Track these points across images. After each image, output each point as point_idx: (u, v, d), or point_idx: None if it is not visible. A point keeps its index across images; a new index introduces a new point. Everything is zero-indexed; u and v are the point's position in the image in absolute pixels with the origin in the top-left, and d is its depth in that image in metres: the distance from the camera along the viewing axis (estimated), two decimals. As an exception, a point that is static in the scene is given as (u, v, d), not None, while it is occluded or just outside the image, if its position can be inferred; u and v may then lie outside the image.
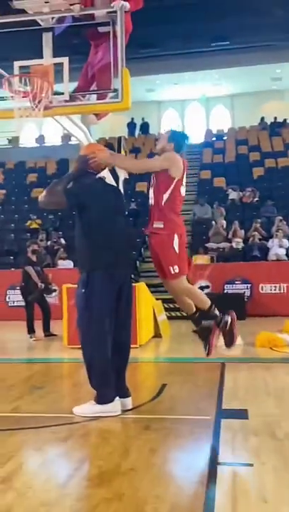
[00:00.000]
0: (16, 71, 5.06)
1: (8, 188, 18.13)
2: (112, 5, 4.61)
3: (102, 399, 3.52)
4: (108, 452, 2.91)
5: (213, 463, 2.73)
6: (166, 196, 3.77)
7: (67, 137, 21.31)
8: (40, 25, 5.21)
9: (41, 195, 3.84)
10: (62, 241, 13.15)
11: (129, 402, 3.69)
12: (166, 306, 8.76)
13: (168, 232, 3.68)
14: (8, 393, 4.37)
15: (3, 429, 3.35)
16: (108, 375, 3.51)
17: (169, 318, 8.59)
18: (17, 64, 5.10)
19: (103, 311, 3.47)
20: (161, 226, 3.70)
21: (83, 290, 3.52)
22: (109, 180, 3.88)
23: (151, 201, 3.84)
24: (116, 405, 3.53)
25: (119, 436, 3.22)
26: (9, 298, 11.59)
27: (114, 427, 3.41)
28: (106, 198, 3.74)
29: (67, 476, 2.60)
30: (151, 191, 3.89)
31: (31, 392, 4.36)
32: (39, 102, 4.81)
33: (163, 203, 3.70)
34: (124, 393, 3.65)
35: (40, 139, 21.75)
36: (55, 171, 19.03)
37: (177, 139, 4.11)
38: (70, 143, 20.80)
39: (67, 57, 5.13)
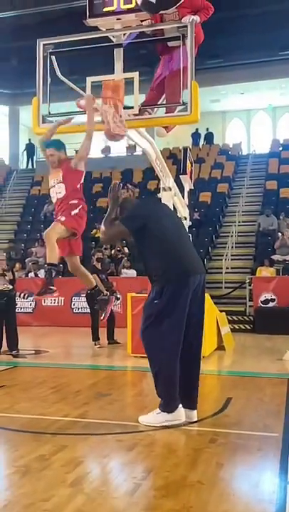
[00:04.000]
0: (89, 87, 5.23)
1: (74, 197, 18.62)
2: (182, 20, 4.68)
3: (167, 407, 3.54)
4: (174, 463, 2.92)
5: (283, 482, 2.67)
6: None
7: (132, 148, 21.68)
8: (111, 42, 5.36)
9: (101, 232, 3.98)
10: (126, 250, 13.33)
11: (194, 414, 3.69)
12: (229, 318, 8.67)
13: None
14: (75, 399, 4.48)
15: (73, 434, 3.44)
16: (175, 385, 3.53)
17: (233, 330, 8.49)
18: (89, 80, 5.27)
19: (176, 321, 3.50)
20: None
21: (156, 301, 3.56)
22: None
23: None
24: (180, 413, 3.57)
25: (185, 448, 3.22)
26: (74, 305, 11.87)
27: (179, 439, 3.42)
28: (164, 211, 4.00)
29: (135, 485, 2.63)
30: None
31: (97, 399, 4.44)
32: (113, 117, 4.93)
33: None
34: (193, 405, 3.66)
35: (106, 149, 22.21)
36: (120, 180, 19.35)
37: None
38: (134, 153, 21.14)
39: (138, 72, 5.24)
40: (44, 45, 5.39)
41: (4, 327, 7.49)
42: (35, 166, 22.11)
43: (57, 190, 4.29)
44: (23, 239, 16.69)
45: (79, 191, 4.42)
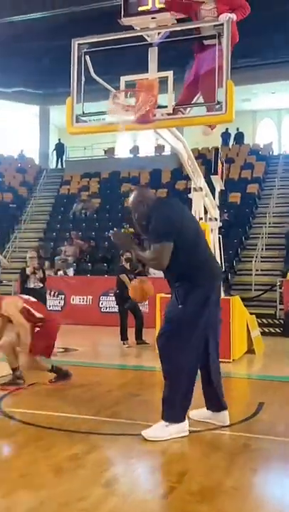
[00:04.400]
0: (122, 85, 5.22)
1: (103, 197, 18.74)
2: (219, 18, 4.63)
3: (176, 417, 3.35)
4: (209, 468, 2.88)
5: None
6: None
7: (160, 148, 21.65)
8: (146, 41, 5.34)
9: (151, 264, 3.78)
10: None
11: (226, 416, 3.62)
12: (259, 321, 8.55)
13: None
14: (106, 398, 4.48)
15: (105, 434, 3.43)
16: (191, 394, 3.42)
17: (262, 334, 8.37)
18: (124, 79, 5.26)
19: (200, 328, 3.41)
20: None
21: (180, 306, 3.42)
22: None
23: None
24: (186, 426, 3.40)
25: (218, 453, 3.17)
26: (102, 304, 11.91)
27: (212, 443, 3.37)
28: (187, 213, 3.85)
29: (168, 488, 2.61)
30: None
31: (128, 399, 4.43)
32: (144, 115, 4.92)
33: None
34: (222, 405, 3.61)
35: (134, 149, 22.26)
36: (148, 181, 19.38)
37: None
38: (163, 154, 21.12)
39: (172, 71, 5.20)
40: (79, 44, 5.39)
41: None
42: (64, 166, 22.30)
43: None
44: (52, 237, 16.85)
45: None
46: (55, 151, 23.09)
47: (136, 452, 3.12)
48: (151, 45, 5.28)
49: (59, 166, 22.67)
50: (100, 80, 5.36)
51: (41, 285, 7.75)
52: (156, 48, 5.30)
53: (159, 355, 3.52)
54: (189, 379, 3.40)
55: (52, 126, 24.53)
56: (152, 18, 5.36)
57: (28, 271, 7.77)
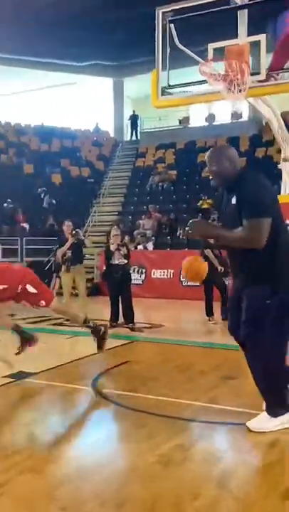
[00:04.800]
0: (211, 54, 4.95)
1: (179, 168, 18.45)
2: None
3: (280, 410, 3.15)
4: None
5: None
6: None
7: (237, 114, 20.86)
8: (235, 4, 5.01)
9: (250, 243, 3.01)
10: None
11: None
12: None
13: None
14: (201, 381, 4.40)
15: (209, 422, 3.35)
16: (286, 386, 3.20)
17: None
18: (211, 46, 4.98)
19: (287, 327, 3.10)
20: None
21: (268, 301, 3.00)
22: None
23: None
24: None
25: None
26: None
27: None
28: (275, 194, 3.34)
29: (277, 490, 2.46)
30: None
31: (225, 383, 4.31)
32: (237, 84, 4.65)
33: None
34: None
35: (210, 117, 21.60)
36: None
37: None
38: (240, 120, 20.35)
39: (265, 35, 4.87)
40: (163, 13, 5.17)
41: (120, 300, 7.65)
42: (139, 137, 22.16)
43: None
44: (130, 211, 16.91)
45: None
46: (129, 123, 22.98)
47: (244, 445, 3.00)
48: (241, 7, 4.96)
49: (134, 138, 22.55)
50: (186, 50, 5.13)
51: (125, 261, 7.75)
52: (246, 11, 4.99)
53: (246, 356, 3.22)
54: (285, 372, 3.18)
55: (126, 98, 24.36)
56: (242, -24, 5.01)
57: (112, 248, 7.79)
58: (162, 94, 5.05)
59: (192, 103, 5.27)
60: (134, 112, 22.84)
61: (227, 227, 3.07)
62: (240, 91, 4.70)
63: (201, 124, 21.86)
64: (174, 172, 18.20)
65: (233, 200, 3.03)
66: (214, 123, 21.45)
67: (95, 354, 5.52)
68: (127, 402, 3.74)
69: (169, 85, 5.12)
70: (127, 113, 23.54)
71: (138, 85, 23.82)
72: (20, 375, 4.56)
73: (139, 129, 22.55)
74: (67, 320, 7.96)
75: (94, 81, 23.80)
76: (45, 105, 23.65)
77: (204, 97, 4.91)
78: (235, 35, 4.98)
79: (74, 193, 18.12)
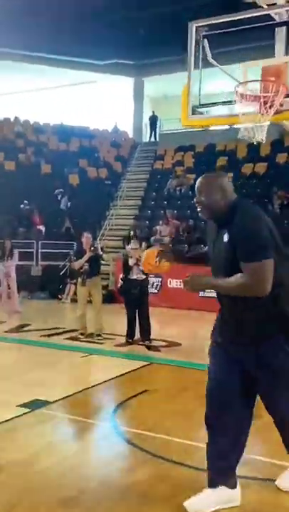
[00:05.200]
0: (245, 72, 4.71)
1: (198, 172, 18.15)
2: None
3: None
4: None
5: None
6: None
7: (203, 107, 20.47)
8: (273, 20, 4.77)
9: (241, 285, 2.50)
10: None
11: None
12: None
13: None
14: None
15: (247, 477, 3.12)
16: None
17: None
18: (246, 65, 4.75)
19: None
20: None
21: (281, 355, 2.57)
22: None
23: None
24: None
25: None
26: (200, 289, 11.58)
27: None
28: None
29: None
30: None
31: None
32: (270, 106, 4.41)
33: None
34: None
35: (198, 115, 21.28)
36: (246, 154, 18.47)
37: None
38: (262, 124, 19.99)
39: (304, 54, 4.61)
40: (197, 27, 4.94)
41: (137, 316, 7.45)
42: (158, 139, 21.91)
43: None
44: (147, 216, 16.68)
45: None
46: (148, 124, 22.72)
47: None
48: (278, 25, 4.71)
49: (152, 140, 22.30)
50: (221, 67, 4.89)
51: (144, 276, 7.54)
52: (284, 28, 4.73)
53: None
54: None
55: (145, 98, 24.13)
56: (281, -8, 4.76)
57: (131, 262, 7.58)
58: (193, 114, 4.81)
59: (223, 124, 5.01)
60: (153, 112, 22.59)
61: (216, 269, 2.66)
62: (272, 113, 4.46)
63: (221, 127, 21.54)
64: (193, 176, 17.90)
65: (225, 237, 2.53)
66: (235, 126, 21.13)
67: (112, 379, 5.35)
68: (148, 445, 3.54)
69: (200, 104, 4.88)
70: (147, 113, 23.30)
71: (158, 85, 23.59)
72: (35, 405, 4.38)
73: (158, 130, 22.30)
74: (82, 334, 7.81)
75: (114, 80, 23.60)
76: (65, 104, 23.51)
77: (235, 118, 4.66)
78: (271, 54, 4.74)
79: (91, 194, 17.95)
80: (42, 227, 14.65)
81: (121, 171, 20.04)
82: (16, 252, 10.26)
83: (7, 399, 4.49)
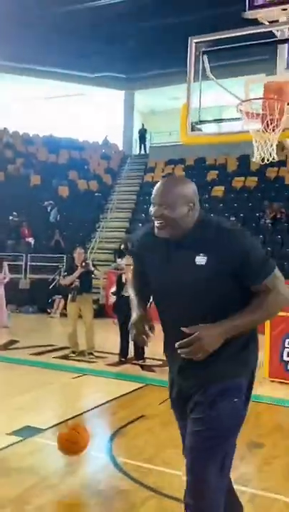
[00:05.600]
0: (247, 89, 4.62)
1: (189, 185, 18.10)
2: None
3: None
4: None
5: None
6: None
7: (202, 124, 20.54)
8: (274, 37, 4.69)
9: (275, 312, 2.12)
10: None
11: None
12: None
13: None
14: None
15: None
16: None
17: None
18: (248, 80, 4.66)
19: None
20: None
21: (236, 399, 2.02)
22: None
23: None
24: None
25: None
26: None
27: None
28: None
29: None
30: None
31: (251, 453, 3.92)
32: (276, 125, 4.31)
33: None
34: None
35: (198, 132, 21.34)
36: (236, 167, 18.49)
37: None
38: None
39: (306, 72, 4.53)
40: (196, 43, 4.85)
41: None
42: (148, 152, 21.87)
43: None
44: (138, 229, 16.55)
45: None
46: (138, 137, 22.70)
47: None
48: (280, 42, 4.63)
49: (142, 152, 22.26)
50: (221, 84, 4.80)
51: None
52: (287, 45, 4.65)
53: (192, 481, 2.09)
54: None
55: (136, 111, 24.13)
56: (283, 9, 4.69)
57: (124, 278, 7.42)
58: (192, 130, 4.70)
59: (223, 141, 4.89)
60: (143, 125, 22.58)
61: (180, 299, 2.03)
62: (274, 131, 4.37)
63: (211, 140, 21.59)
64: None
65: (200, 260, 1.99)
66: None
67: (106, 403, 5.16)
68: (148, 480, 3.36)
69: (200, 121, 4.77)
70: (137, 127, 23.28)
71: (148, 99, 23.62)
72: (26, 432, 4.17)
73: (148, 143, 22.26)
74: (73, 352, 7.60)
75: (104, 93, 23.57)
76: (55, 115, 23.39)
77: (236, 136, 4.56)
78: (271, 68, 4.65)
79: (81, 207, 17.78)
80: (31, 240, 14.43)
81: (111, 184, 19.94)
82: (5, 265, 10.03)
83: (-3, 425, 4.28)
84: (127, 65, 21.28)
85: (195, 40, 4.76)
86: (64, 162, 20.58)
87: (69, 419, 4.56)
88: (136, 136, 22.95)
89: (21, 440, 4.02)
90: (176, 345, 1.92)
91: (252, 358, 2.12)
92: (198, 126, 4.75)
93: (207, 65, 4.83)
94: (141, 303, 2.32)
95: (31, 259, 13.43)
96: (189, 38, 4.79)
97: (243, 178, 17.58)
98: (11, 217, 15.40)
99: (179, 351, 1.92)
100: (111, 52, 20.17)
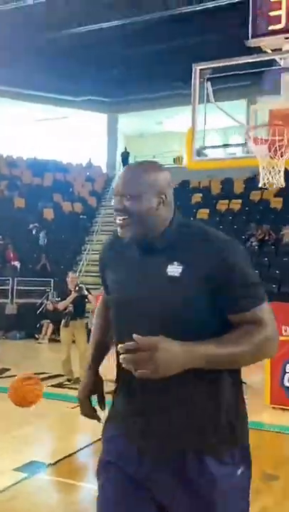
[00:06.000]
0: (252, 114, 4.64)
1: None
2: None
3: None
4: None
5: None
6: None
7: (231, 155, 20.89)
8: (278, 65, 4.75)
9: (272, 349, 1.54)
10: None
11: None
12: None
13: None
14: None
15: None
16: None
17: None
18: (254, 107, 4.69)
19: None
20: None
21: (241, 469, 1.53)
22: None
23: None
24: None
25: None
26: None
27: None
28: None
29: None
30: None
31: (267, 486, 3.81)
32: (281, 150, 4.33)
33: None
34: None
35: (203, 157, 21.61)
36: (220, 191, 18.68)
37: None
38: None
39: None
40: (201, 70, 4.87)
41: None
42: (132, 175, 21.96)
43: None
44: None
45: None
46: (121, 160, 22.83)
47: None
48: (286, 70, 4.68)
49: (126, 175, 22.34)
50: (226, 111, 4.82)
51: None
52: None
53: None
54: None
55: (119, 134, 24.33)
56: (286, 38, 4.76)
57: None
58: (198, 155, 4.70)
59: (229, 166, 4.90)
60: (125, 148, 22.72)
61: (148, 320, 1.49)
62: (282, 157, 4.38)
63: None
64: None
65: (173, 270, 1.51)
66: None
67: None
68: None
69: (205, 146, 4.78)
70: (120, 149, 23.43)
71: (132, 122, 23.85)
72: (32, 468, 3.99)
73: (132, 166, 22.37)
74: (69, 380, 7.41)
75: (88, 115, 23.73)
76: (38, 138, 23.39)
77: (242, 161, 4.56)
78: (275, 93, 4.69)
79: (66, 229, 17.67)
80: (17, 264, 14.22)
81: (96, 206, 19.91)
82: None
83: (1, 460, 4.09)
84: (110, 88, 21.52)
85: (199, 67, 4.79)
86: (49, 184, 20.51)
87: (76, 451, 4.42)
88: (119, 158, 23.07)
89: (28, 477, 3.84)
90: (119, 347, 1.36)
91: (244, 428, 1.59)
92: (204, 152, 4.75)
93: (210, 92, 4.85)
94: (96, 357, 1.84)
95: (18, 283, 13.21)
96: (193, 64, 4.82)
97: (227, 201, 17.75)
98: (-5, 241, 15.21)
99: (121, 357, 1.34)
100: (95, 77, 20.40)
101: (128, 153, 22.54)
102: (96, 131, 24.18)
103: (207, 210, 17.59)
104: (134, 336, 1.34)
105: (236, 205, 17.58)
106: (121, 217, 1.55)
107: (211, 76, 4.81)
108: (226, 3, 14.86)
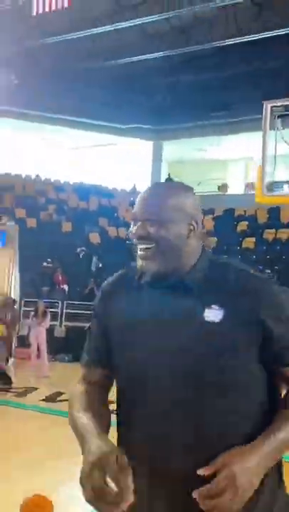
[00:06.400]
0: None
1: (218, 236, 18.22)
2: None
3: None
4: None
5: None
6: None
7: (277, 184, 20.81)
8: None
9: None
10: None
11: None
12: None
13: None
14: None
15: None
16: None
17: None
18: None
19: None
20: None
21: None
22: None
23: None
24: None
25: None
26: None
27: None
28: None
29: None
30: None
31: None
32: None
33: None
34: None
35: (250, 186, 21.65)
36: (267, 220, 18.58)
37: None
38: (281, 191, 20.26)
39: None
40: (272, 107, 4.98)
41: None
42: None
43: None
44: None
45: None
46: (166, 186, 23.11)
47: None
48: None
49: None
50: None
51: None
52: None
53: None
54: None
55: (163, 160, 24.70)
56: None
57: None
58: (269, 191, 4.78)
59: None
60: (169, 175, 22.98)
61: (159, 380, 1.24)
62: None
63: (240, 191, 21.85)
64: (214, 239, 17.96)
65: (212, 314, 1.25)
66: (253, 192, 21.45)
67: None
68: None
69: (275, 181, 4.85)
70: (165, 175, 23.73)
71: (176, 149, 24.20)
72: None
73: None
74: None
75: (133, 143, 24.24)
76: (84, 163, 24.00)
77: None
78: None
79: (112, 254, 17.93)
80: (65, 287, 14.49)
81: (141, 232, 20.15)
82: (47, 312, 10.06)
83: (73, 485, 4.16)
84: (155, 116, 21.99)
85: (270, 105, 4.89)
86: (94, 209, 20.93)
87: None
88: (165, 185, 23.34)
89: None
90: (194, 493, 1.11)
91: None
92: (278, 186, 4.82)
93: (280, 129, 4.94)
94: (98, 426, 1.32)
95: (66, 307, 13.43)
96: (264, 102, 4.94)
97: (274, 230, 17.64)
98: (44, 264, 15.54)
99: (202, 506, 1.10)
100: (141, 105, 20.93)
101: (172, 179, 22.80)
102: (141, 157, 24.63)
103: (253, 239, 17.53)
104: (199, 471, 1.12)
105: (284, 234, 17.43)
106: (144, 246, 1.30)
107: (282, 114, 4.91)
108: (272, 35, 15.03)
